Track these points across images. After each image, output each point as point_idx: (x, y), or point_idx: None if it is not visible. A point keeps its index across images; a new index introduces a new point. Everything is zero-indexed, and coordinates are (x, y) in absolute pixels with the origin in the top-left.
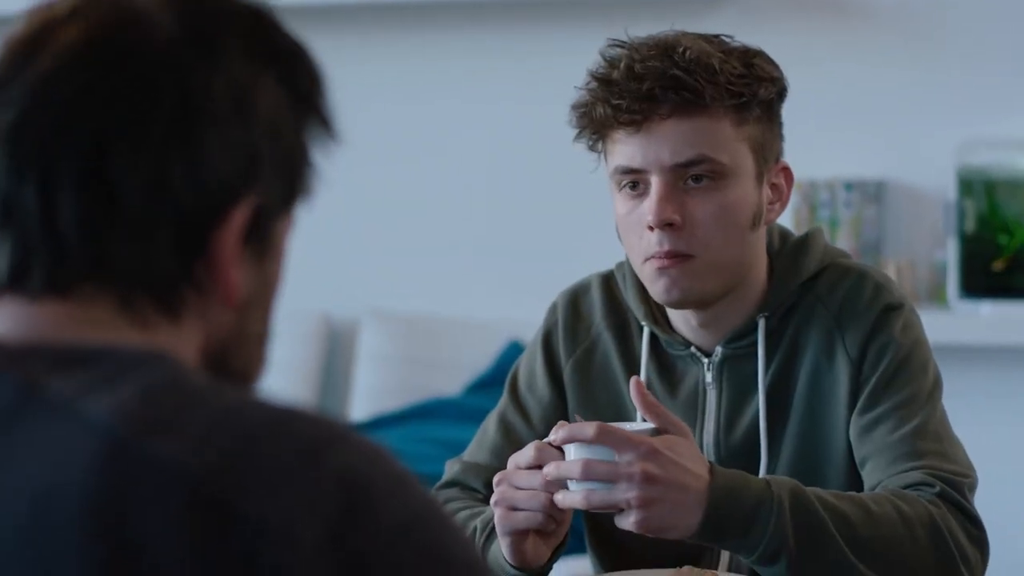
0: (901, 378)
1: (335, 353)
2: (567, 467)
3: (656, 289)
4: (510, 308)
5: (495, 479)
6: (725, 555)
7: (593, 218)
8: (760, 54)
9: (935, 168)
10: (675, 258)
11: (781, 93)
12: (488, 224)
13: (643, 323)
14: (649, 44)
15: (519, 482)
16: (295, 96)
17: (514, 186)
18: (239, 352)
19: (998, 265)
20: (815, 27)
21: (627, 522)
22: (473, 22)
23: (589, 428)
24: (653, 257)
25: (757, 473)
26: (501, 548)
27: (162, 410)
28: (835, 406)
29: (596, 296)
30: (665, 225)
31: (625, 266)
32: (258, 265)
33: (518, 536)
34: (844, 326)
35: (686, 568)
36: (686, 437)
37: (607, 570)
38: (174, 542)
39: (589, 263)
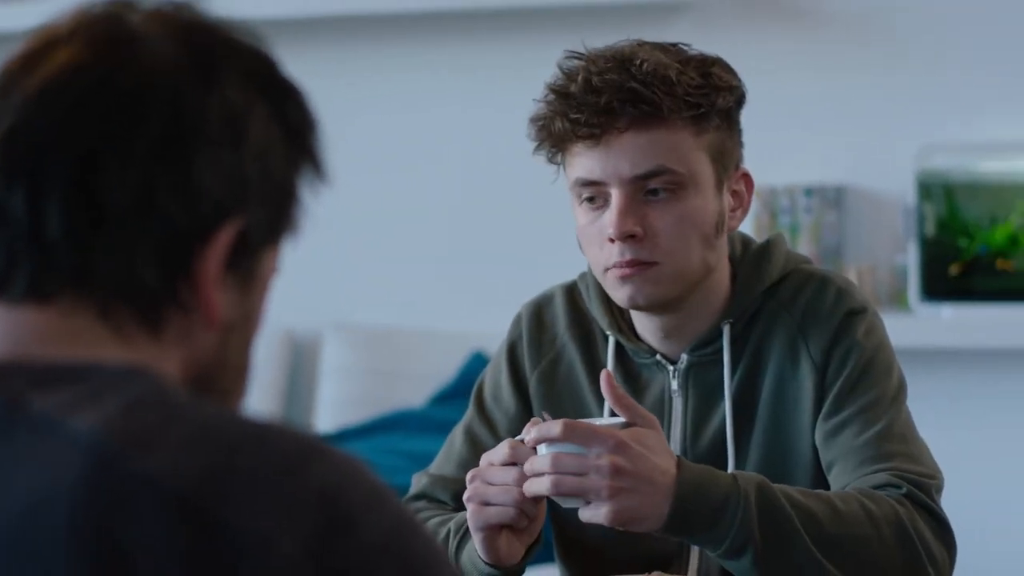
0: (865, 382)
1: (298, 367)
2: (538, 462)
3: (619, 296)
4: (473, 319)
5: (468, 476)
6: (694, 561)
7: (556, 228)
8: (718, 62)
9: (894, 173)
10: (637, 266)
11: (740, 100)
12: (450, 235)
13: (608, 332)
14: (606, 56)
15: (492, 478)
16: (287, 132)
17: (476, 197)
18: (219, 381)
19: (954, 269)
20: (772, 34)
21: (597, 514)
22: (433, 34)
23: (556, 426)
24: (615, 266)
25: None
26: (475, 545)
27: (145, 424)
28: (800, 412)
29: (560, 307)
30: (626, 237)
31: (588, 276)
32: (241, 294)
33: (491, 532)
34: (807, 332)
35: (656, 573)
36: (655, 429)
37: None
38: (160, 554)
39: (552, 273)
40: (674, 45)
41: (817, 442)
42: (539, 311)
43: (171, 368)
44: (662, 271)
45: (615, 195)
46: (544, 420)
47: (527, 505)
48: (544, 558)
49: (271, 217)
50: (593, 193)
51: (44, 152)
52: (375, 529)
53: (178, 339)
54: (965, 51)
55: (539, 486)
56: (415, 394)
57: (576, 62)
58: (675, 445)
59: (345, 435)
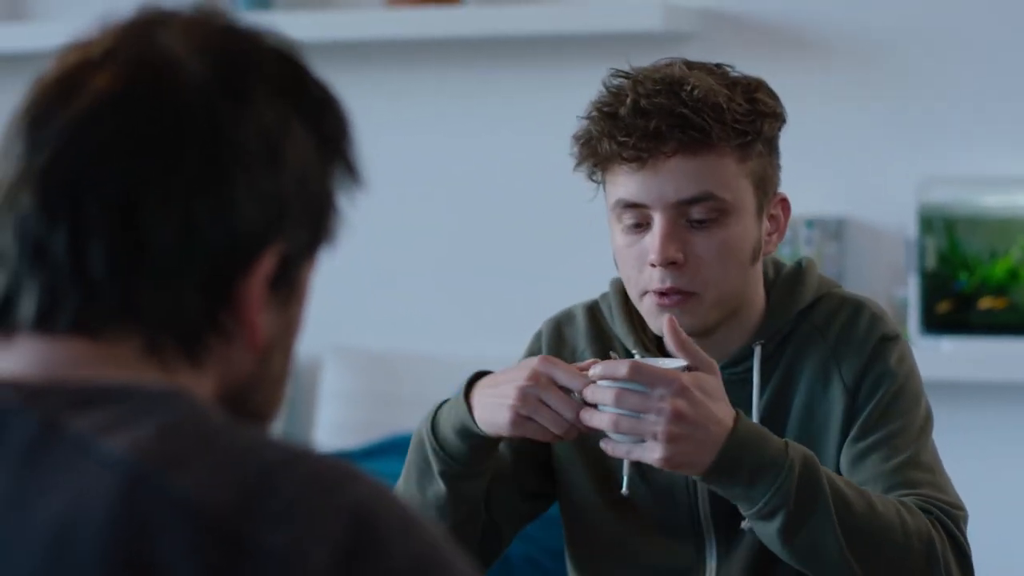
0: (895, 409)
1: (298, 391)
2: (602, 392)
3: (656, 323)
4: (473, 344)
5: (527, 378)
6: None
7: (558, 254)
8: (761, 86)
9: (895, 205)
10: (677, 295)
11: (781, 125)
12: (451, 260)
13: (633, 351)
14: (655, 78)
15: (551, 400)
16: (322, 141)
17: (477, 223)
18: (257, 394)
19: (943, 307)
20: (775, 66)
21: (650, 456)
22: (436, 59)
23: (622, 366)
24: (653, 292)
25: None
26: (487, 416)
27: (179, 447)
28: (829, 433)
29: (581, 324)
30: (668, 263)
31: (609, 296)
32: (281, 310)
33: (514, 432)
34: (840, 355)
35: None
36: (715, 375)
37: None
38: None
39: (554, 297)
40: (718, 66)
41: (842, 465)
42: (559, 328)
43: (208, 389)
44: (701, 301)
45: (658, 219)
46: (613, 359)
47: (571, 434)
48: (557, 572)
49: (311, 234)
50: (635, 217)
51: (84, 190)
52: (405, 554)
53: (218, 364)
54: (967, 84)
55: (598, 421)
56: (414, 419)
57: (623, 80)
58: None
59: (344, 458)
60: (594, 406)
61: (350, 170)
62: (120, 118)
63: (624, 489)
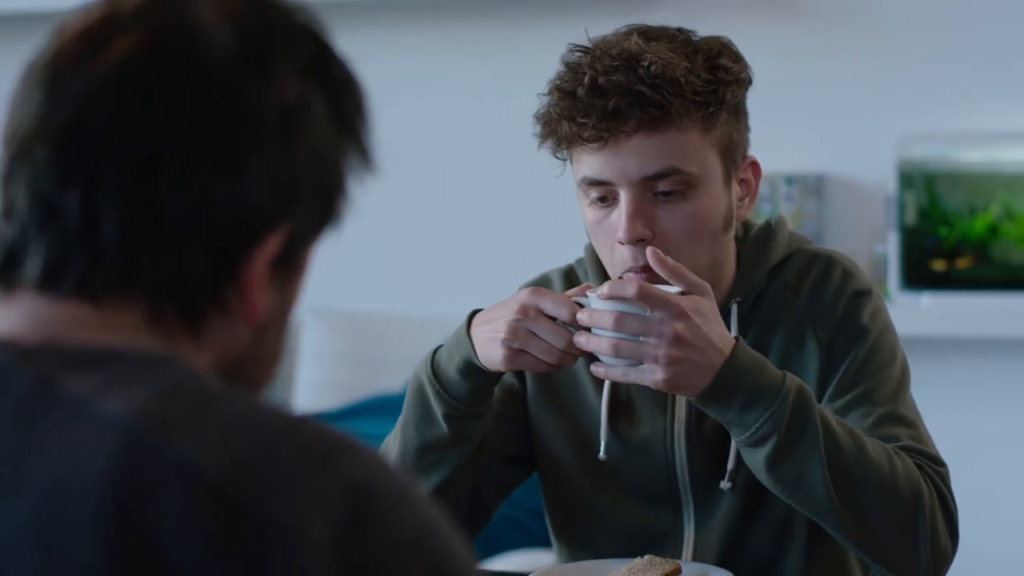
0: (872, 365)
1: None
2: (599, 316)
3: None
4: (452, 305)
5: (516, 312)
6: (688, 544)
7: (534, 216)
8: (724, 51)
9: (875, 162)
10: (651, 272)
11: (747, 86)
12: (429, 222)
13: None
14: (612, 54)
15: (541, 331)
16: (340, 122)
17: (455, 185)
18: (249, 369)
19: (922, 263)
20: (754, 22)
21: (650, 378)
22: (423, 18)
23: (630, 286)
24: (630, 271)
25: (728, 459)
26: (484, 353)
27: (177, 411)
28: None
29: (558, 289)
30: (636, 241)
31: (585, 262)
32: (281, 288)
33: (509, 367)
34: (814, 312)
35: (648, 556)
36: (708, 297)
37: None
38: (189, 541)
39: (529, 259)
40: (680, 31)
41: None
42: None
43: (205, 359)
44: None
45: (623, 197)
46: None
47: (566, 361)
48: (539, 541)
49: (319, 215)
50: (601, 193)
51: (101, 151)
52: (402, 526)
53: (217, 337)
54: (946, 41)
55: (596, 344)
56: (393, 379)
57: (581, 57)
58: (680, 426)
59: (323, 420)
60: (587, 330)
61: (364, 154)
62: (143, 83)
63: (601, 453)
